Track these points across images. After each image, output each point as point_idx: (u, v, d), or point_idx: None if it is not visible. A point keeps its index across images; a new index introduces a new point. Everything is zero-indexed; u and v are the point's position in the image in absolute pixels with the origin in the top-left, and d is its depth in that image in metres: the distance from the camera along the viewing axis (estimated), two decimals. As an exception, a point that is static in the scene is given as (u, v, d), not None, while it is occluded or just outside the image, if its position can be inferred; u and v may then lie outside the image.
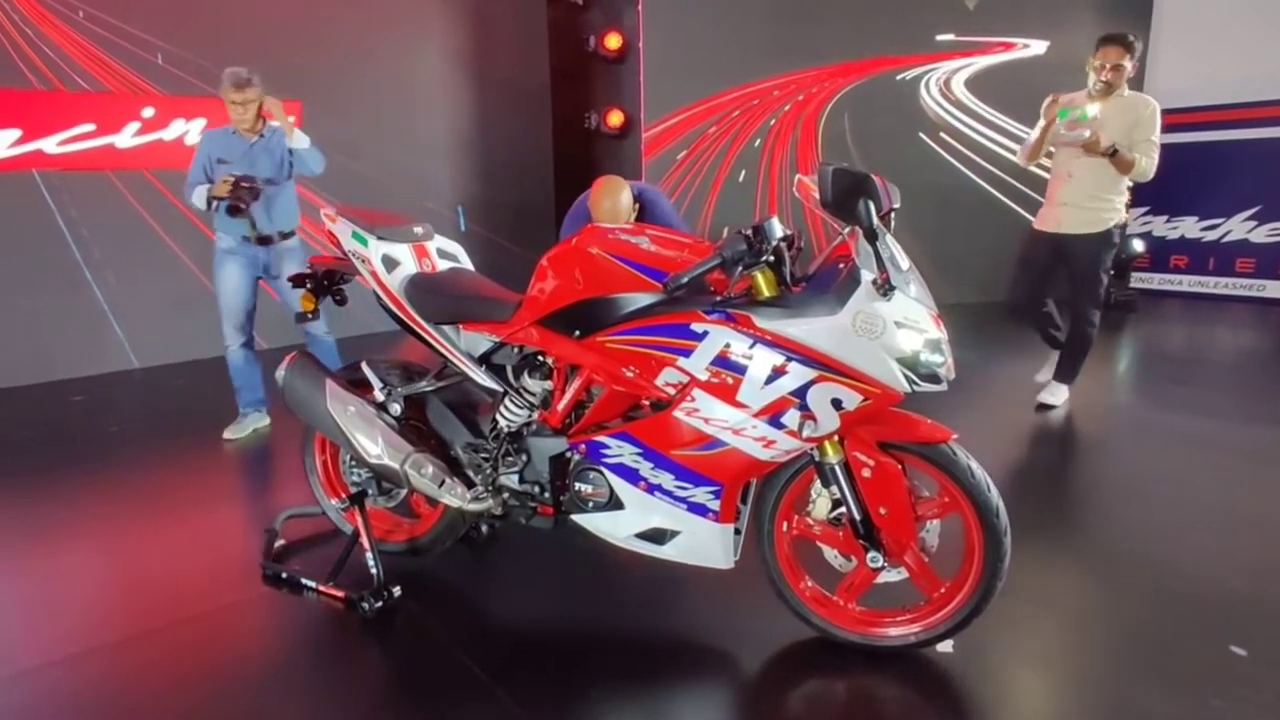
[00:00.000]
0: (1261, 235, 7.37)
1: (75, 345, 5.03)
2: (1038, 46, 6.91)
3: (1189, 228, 7.76)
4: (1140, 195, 7.52)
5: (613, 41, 6.56)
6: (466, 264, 2.37)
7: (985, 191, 7.10)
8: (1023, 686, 1.93)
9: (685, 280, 1.66)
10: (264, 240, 3.60)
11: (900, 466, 1.82)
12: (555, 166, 7.45)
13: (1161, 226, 7.83)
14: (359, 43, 6.01)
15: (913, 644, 1.95)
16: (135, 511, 3.01)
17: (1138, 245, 7.20)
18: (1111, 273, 3.86)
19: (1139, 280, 7.80)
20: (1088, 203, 3.71)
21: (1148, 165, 3.57)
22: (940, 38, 6.77)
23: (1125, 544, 2.62)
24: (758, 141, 6.78)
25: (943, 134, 6.97)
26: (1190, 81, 7.47)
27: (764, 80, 6.67)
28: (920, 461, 1.84)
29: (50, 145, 4.83)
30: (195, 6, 5.25)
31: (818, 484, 2.02)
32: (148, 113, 5.17)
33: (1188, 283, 7.82)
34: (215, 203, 3.44)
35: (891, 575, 1.94)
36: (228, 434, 3.72)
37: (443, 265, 2.29)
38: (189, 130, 5.32)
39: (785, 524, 2.00)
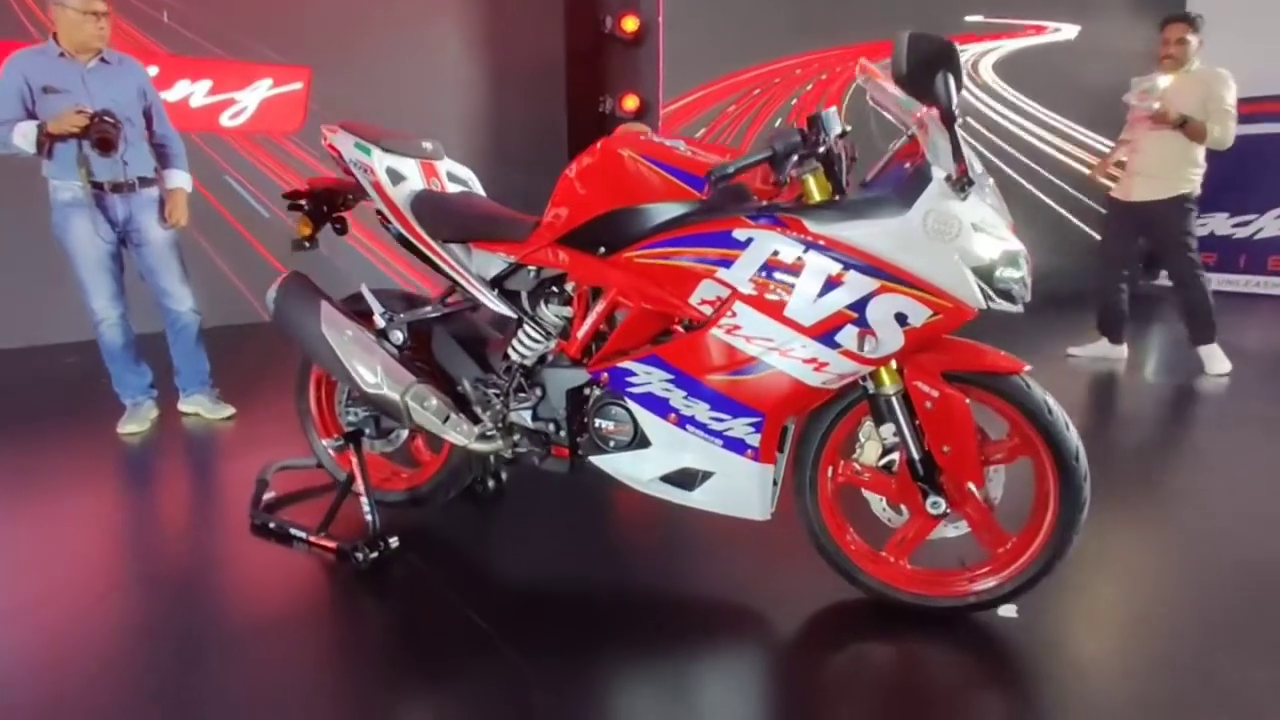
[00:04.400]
0: (1295, 233, 7.13)
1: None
2: (1069, 31, 6.72)
3: (1219, 224, 7.51)
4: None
5: (629, 24, 6.37)
6: (479, 190, 2.16)
7: (1011, 180, 6.89)
8: (1095, 659, 1.70)
9: (731, 170, 1.46)
10: (118, 188, 2.87)
11: (967, 401, 1.61)
12: (569, 150, 7.26)
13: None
14: (370, 14, 5.83)
15: (972, 605, 1.73)
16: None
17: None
18: (1193, 242, 3.99)
19: (1165, 279, 7.55)
20: (1159, 170, 3.84)
21: (1222, 133, 3.70)
22: (970, 19, 6.57)
23: (1198, 516, 2.40)
24: (779, 121, 6.58)
25: (969, 118, 6.76)
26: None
27: (787, 58, 6.47)
28: (988, 395, 1.62)
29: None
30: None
31: (866, 426, 1.81)
32: (151, 71, 4.98)
33: (1217, 280, 7.56)
34: (51, 143, 2.72)
35: (949, 530, 1.73)
36: (128, 428, 3.05)
37: (453, 189, 2.09)
38: (194, 92, 5.13)
39: (830, 469, 1.78)
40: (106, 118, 2.70)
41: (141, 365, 3.15)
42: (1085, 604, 1.88)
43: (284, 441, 2.72)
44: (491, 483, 2.41)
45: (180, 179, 3.09)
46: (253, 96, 5.35)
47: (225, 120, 5.25)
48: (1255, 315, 6.35)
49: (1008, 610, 1.78)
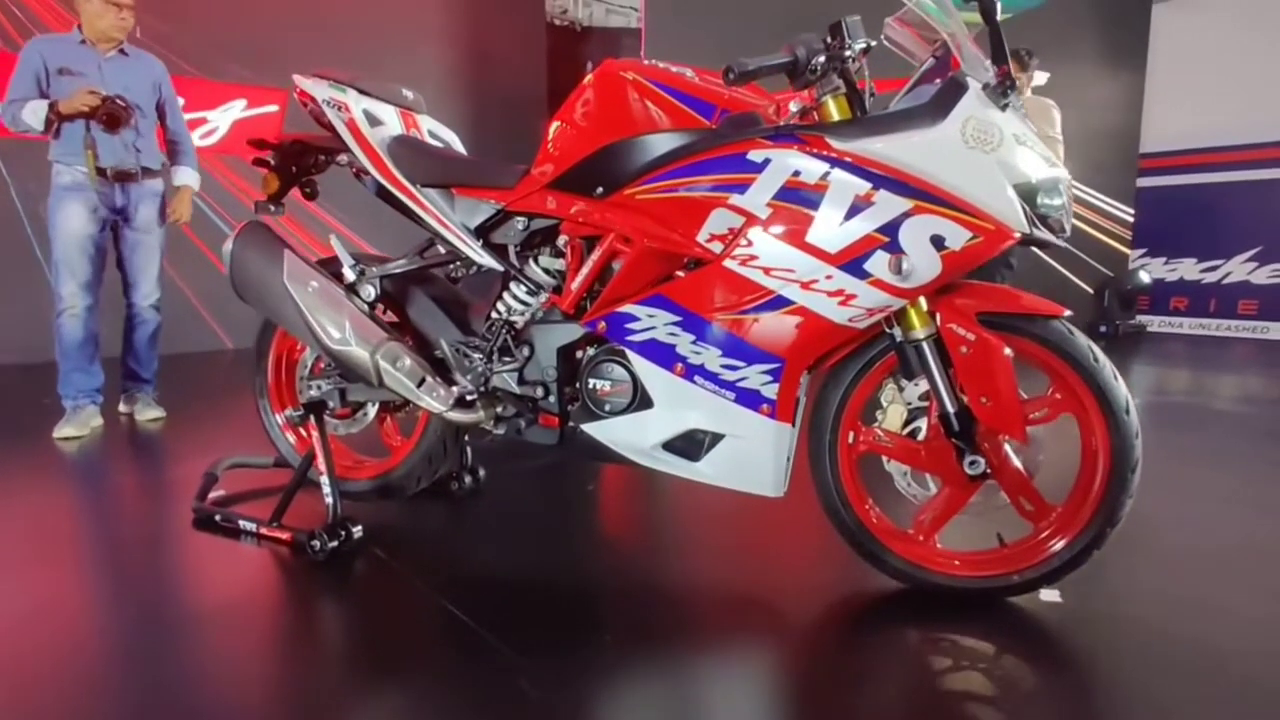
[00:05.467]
0: (1263, 277, 7.25)
1: None
2: (1040, 77, 6.88)
3: (1188, 269, 7.64)
4: (1138, 237, 7.44)
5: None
6: (462, 151, 2.01)
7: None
8: (1152, 650, 1.48)
9: (752, 68, 1.32)
10: (124, 176, 2.84)
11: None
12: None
13: (1160, 268, 7.71)
14: (351, 40, 5.77)
15: (1013, 587, 1.54)
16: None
17: (1144, 276, 7.03)
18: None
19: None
20: None
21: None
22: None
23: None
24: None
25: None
26: (1185, 123, 7.49)
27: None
28: (1027, 342, 1.46)
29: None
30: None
31: (888, 390, 1.64)
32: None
33: (1189, 325, 7.66)
34: (59, 123, 2.70)
35: (987, 498, 1.54)
36: (65, 431, 2.82)
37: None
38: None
39: (851, 435, 1.60)
40: (119, 100, 2.72)
41: (94, 366, 2.96)
42: (1139, 585, 1.69)
43: (238, 450, 2.47)
44: (469, 479, 2.19)
45: (188, 176, 3.09)
46: (225, 117, 5.21)
47: (195, 139, 5.08)
48: (1227, 357, 6.37)
49: (1050, 594, 1.59)
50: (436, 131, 1.99)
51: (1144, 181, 7.49)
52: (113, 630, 1.50)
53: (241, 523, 1.90)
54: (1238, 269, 7.37)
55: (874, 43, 1.42)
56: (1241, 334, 7.35)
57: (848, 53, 1.35)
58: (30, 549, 1.88)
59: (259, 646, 1.45)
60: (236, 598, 1.63)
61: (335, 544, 1.75)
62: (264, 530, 1.86)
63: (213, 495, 2.13)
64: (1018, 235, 1.33)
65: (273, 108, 5.37)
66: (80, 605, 1.61)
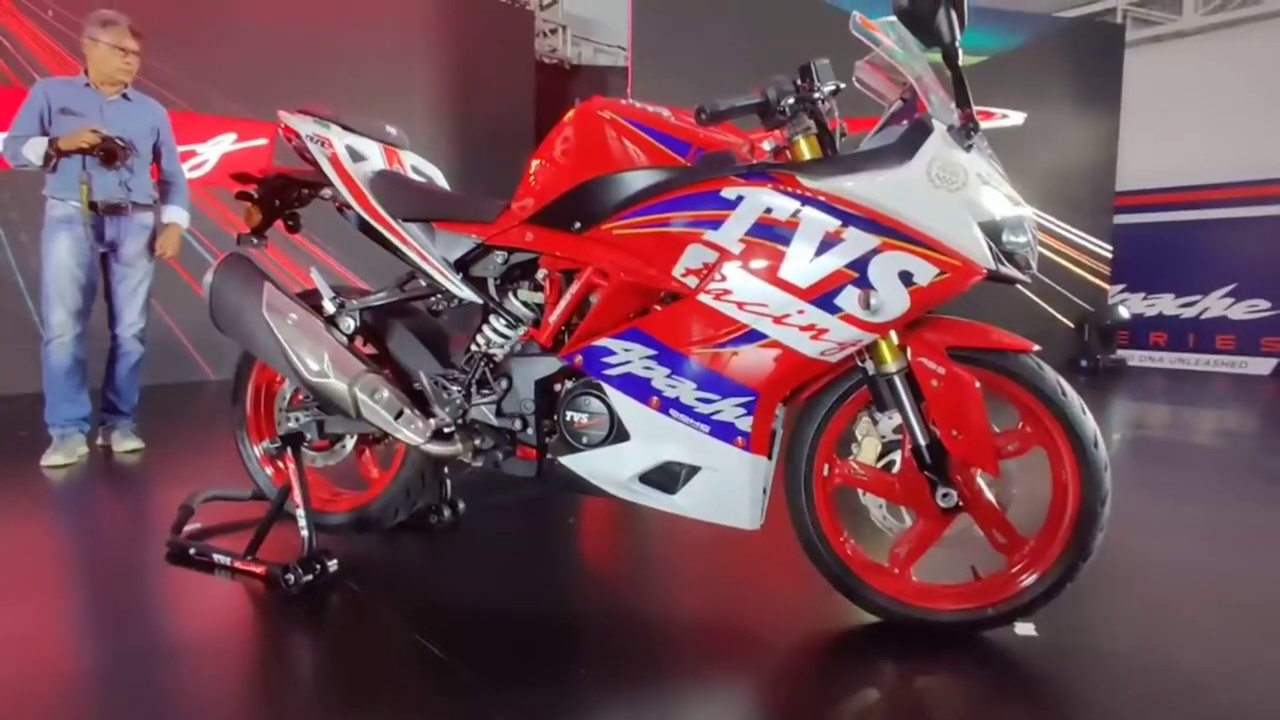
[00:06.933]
0: (1239, 312, 7.38)
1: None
2: (1016, 117, 7.05)
3: (1167, 304, 7.77)
4: (1117, 273, 7.57)
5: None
6: (444, 186, 2.04)
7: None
8: (1127, 682, 1.48)
9: (723, 108, 1.35)
10: (114, 209, 2.91)
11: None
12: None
13: (1139, 303, 7.83)
14: (339, 76, 5.84)
15: (987, 620, 1.54)
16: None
17: (1123, 312, 7.13)
18: None
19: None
20: None
21: None
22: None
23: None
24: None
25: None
26: (1160, 162, 7.67)
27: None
28: (996, 376, 1.49)
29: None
30: (174, 21, 5.07)
31: (863, 423, 1.66)
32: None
33: (1169, 359, 7.76)
34: (57, 158, 2.77)
35: (962, 528, 1.55)
36: (53, 459, 2.84)
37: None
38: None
39: (826, 467, 1.61)
40: (119, 140, 2.82)
41: (81, 395, 2.97)
42: (1116, 616, 1.70)
43: (216, 483, 2.45)
44: (447, 512, 2.18)
45: (178, 215, 3.16)
46: (214, 150, 5.25)
47: (185, 171, 5.12)
48: (1206, 392, 6.44)
49: (1025, 627, 1.59)
50: (419, 167, 2.02)
51: (1121, 219, 7.64)
52: (83, 664, 1.48)
53: (216, 556, 1.88)
54: (1215, 304, 7.50)
55: (843, 85, 1.46)
56: (1220, 368, 7.45)
57: (816, 94, 1.39)
58: (1, 581, 1.85)
59: (229, 681, 1.43)
60: (208, 632, 1.61)
61: (310, 578, 1.73)
62: (238, 564, 1.84)
63: (188, 528, 2.11)
64: (984, 271, 1.36)
65: (262, 141, 5.42)
66: (49, 638, 1.58)
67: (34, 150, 2.77)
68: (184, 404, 4.45)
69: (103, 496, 2.65)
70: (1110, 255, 7.39)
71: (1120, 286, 7.84)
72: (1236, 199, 7.32)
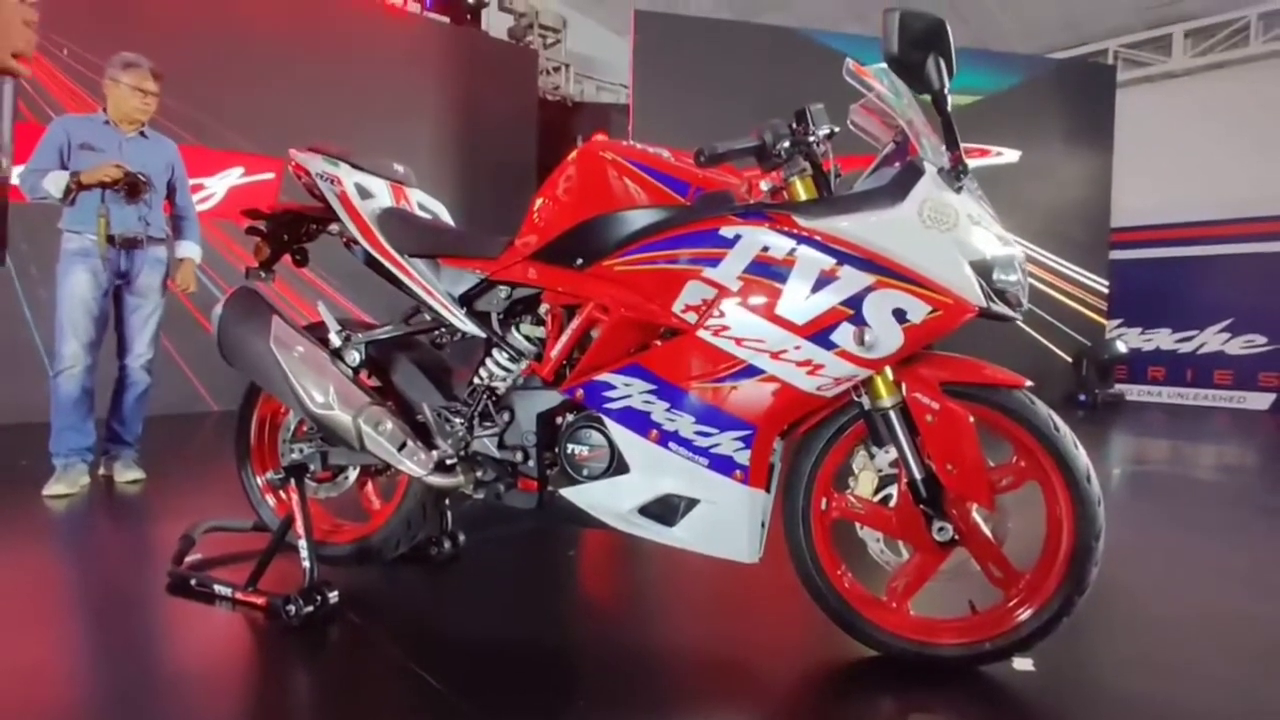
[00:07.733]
0: (1236, 347, 7.42)
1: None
2: (1011, 155, 7.16)
3: (1164, 339, 7.81)
4: (1114, 308, 7.62)
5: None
6: (450, 222, 2.08)
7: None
8: (1124, 718, 1.50)
9: (721, 151, 1.40)
10: (130, 243, 2.98)
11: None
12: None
13: (1136, 338, 7.88)
14: (347, 112, 5.96)
15: (985, 655, 1.55)
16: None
17: (1121, 346, 7.17)
18: None
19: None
20: None
21: None
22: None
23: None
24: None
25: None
26: (1153, 200, 7.77)
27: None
28: (990, 411, 1.52)
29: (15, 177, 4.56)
30: (185, 59, 5.18)
31: (859, 457, 1.68)
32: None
33: (1167, 394, 7.78)
34: (75, 192, 2.82)
35: (959, 562, 1.56)
36: (56, 489, 2.84)
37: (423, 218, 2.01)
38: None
39: (824, 501, 1.63)
40: (141, 175, 2.92)
41: (88, 425, 2.99)
42: (1118, 649, 1.70)
43: (217, 514, 2.46)
44: (448, 544, 2.19)
45: (191, 250, 3.24)
46: (222, 184, 5.34)
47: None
48: (1205, 426, 6.45)
49: (1024, 662, 1.60)
50: (425, 203, 2.07)
51: (1117, 254, 7.72)
52: (84, 694, 1.48)
53: (217, 587, 1.89)
54: (1212, 339, 7.55)
55: (837, 129, 1.51)
56: (1219, 403, 7.47)
57: (811, 138, 1.44)
58: (2, 611, 1.85)
59: (230, 712, 1.43)
60: (209, 663, 1.62)
61: (310, 609, 1.74)
62: (239, 595, 1.85)
63: (189, 559, 2.11)
64: (976, 309, 1.40)
65: (269, 175, 5.51)
66: (51, 669, 1.58)
67: (54, 183, 2.83)
68: (186, 435, 4.46)
69: (104, 527, 2.66)
70: (1107, 290, 7.45)
71: (1118, 321, 7.90)
72: (1231, 235, 7.41)
